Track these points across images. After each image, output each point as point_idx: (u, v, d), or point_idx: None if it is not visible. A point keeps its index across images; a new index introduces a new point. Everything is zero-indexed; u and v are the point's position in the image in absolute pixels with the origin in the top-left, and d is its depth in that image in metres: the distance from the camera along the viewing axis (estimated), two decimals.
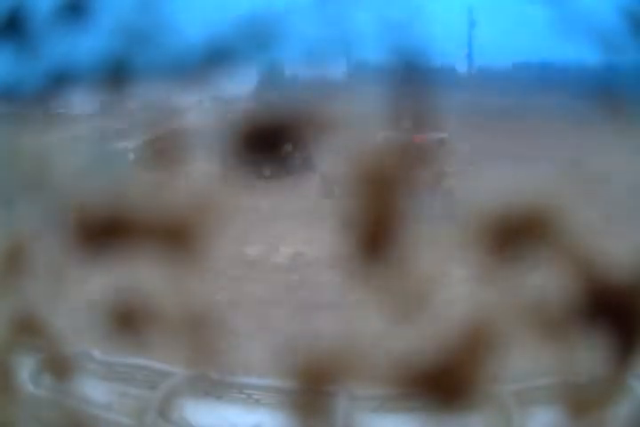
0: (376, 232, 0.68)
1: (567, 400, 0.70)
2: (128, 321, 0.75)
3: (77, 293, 0.83)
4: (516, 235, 0.70)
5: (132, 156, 0.75)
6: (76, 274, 0.78)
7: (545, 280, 0.70)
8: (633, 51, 0.72)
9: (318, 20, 0.71)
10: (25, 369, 0.95)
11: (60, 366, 0.84)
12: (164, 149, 0.72)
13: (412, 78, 0.69)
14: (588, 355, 0.69)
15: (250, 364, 0.88)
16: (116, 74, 0.75)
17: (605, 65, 0.72)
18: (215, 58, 0.72)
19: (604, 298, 0.70)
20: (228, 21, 0.73)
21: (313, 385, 0.70)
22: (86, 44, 0.77)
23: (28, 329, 0.81)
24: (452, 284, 0.78)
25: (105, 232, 0.71)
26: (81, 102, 0.86)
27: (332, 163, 0.75)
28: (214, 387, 0.88)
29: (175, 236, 0.71)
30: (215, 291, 0.82)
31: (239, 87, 0.77)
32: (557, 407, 0.75)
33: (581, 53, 0.75)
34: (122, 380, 1.01)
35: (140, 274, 0.74)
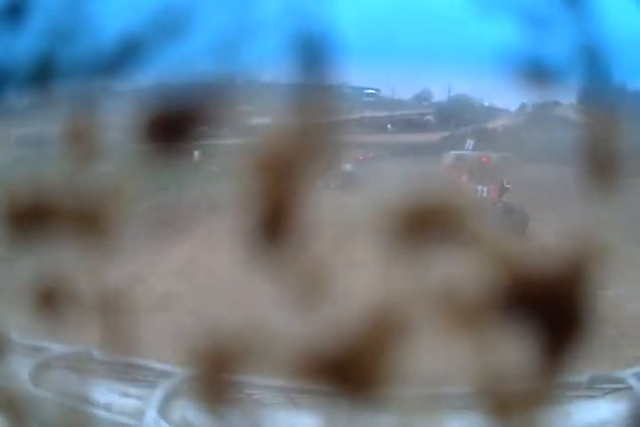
0: (276, 217, 0.66)
1: (485, 403, 0.65)
2: (49, 304, 0.77)
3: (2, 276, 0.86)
4: (425, 219, 0.65)
5: (53, 146, 0.78)
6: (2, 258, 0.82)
7: (458, 268, 0.65)
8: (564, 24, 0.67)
9: (224, 9, 0.71)
10: (25, 369, 0.98)
11: None
12: (81, 138, 0.74)
13: (315, 64, 0.67)
14: (510, 353, 0.64)
15: (153, 348, 0.89)
16: (44, 70, 0.78)
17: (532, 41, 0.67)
18: (127, 50, 0.74)
19: (527, 289, 0.64)
20: (140, 14, 0.75)
21: (213, 373, 0.69)
22: (21, 45, 0.80)
23: None
24: (357, 270, 0.75)
25: (29, 218, 0.74)
26: (11, 97, 0.90)
27: (233, 148, 0.75)
28: (123, 369, 0.90)
29: (90, 220, 0.73)
30: (124, 274, 0.83)
31: (149, 77, 0.78)
32: (473, 411, 0.70)
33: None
34: (122, 380, 1.03)
35: (62, 258, 0.77)
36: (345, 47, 0.66)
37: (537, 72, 0.70)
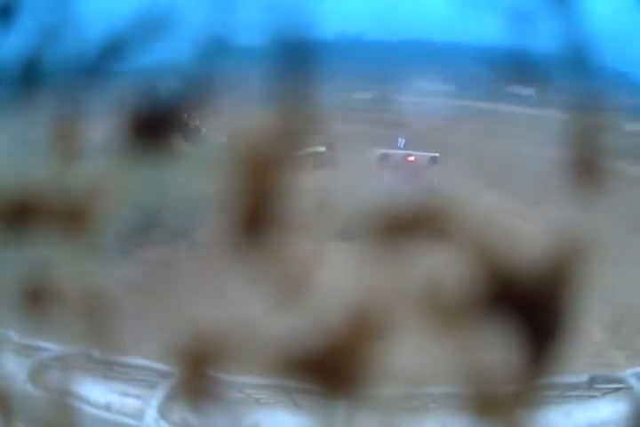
0: (256, 215, 0.66)
1: (468, 403, 0.65)
2: (36, 302, 0.78)
3: None
4: (409, 219, 0.65)
5: (38, 144, 0.79)
6: None
7: (440, 267, 0.64)
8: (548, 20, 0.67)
9: (206, 8, 0.72)
10: (24, 369, 0.99)
11: None
12: (66, 137, 0.75)
13: (294, 61, 0.67)
14: (493, 353, 0.63)
15: (136, 346, 0.89)
16: (30, 69, 0.79)
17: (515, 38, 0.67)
18: (111, 50, 0.74)
19: (510, 289, 0.64)
20: (125, 14, 0.75)
21: (196, 370, 0.69)
22: (9, 44, 0.81)
23: None
24: (337, 268, 0.75)
25: (16, 216, 0.75)
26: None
27: (214, 146, 0.75)
28: (103, 365, 0.90)
29: (75, 219, 0.74)
30: (106, 271, 0.83)
31: (133, 76, 0.79)
32: (456, 410, 0.70)
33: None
34: (122, 380, 1.03)
35: (48, 256, 0.77)
36: (325, 44, 0.66)
37: (522, 67, 0.69)
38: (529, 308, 0.66)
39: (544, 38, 0.70)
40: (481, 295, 0.66)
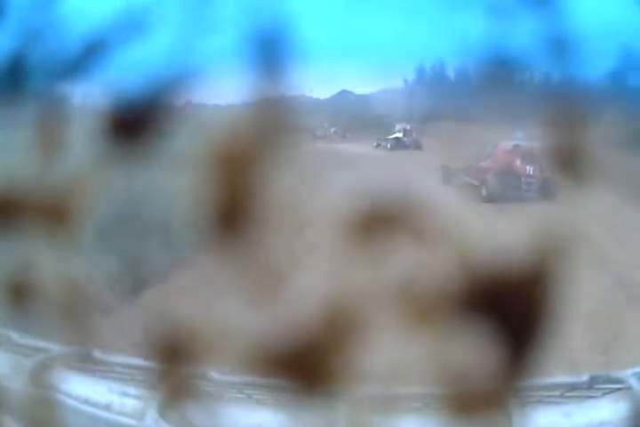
0: (233, 212, 0.66)
1: (443, 404, 0.64)
2: (18, 297, 0.79)
3: None
4: (385, 215, 0.65)
5: (22, 142, 0.80)
6: None
7: (416, 265, 0.64)
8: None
9: (184, 7, 0.72)
10: (24, 369, 1.00)
11: None
12: (48, 135, 0.76)
13: (270, 60, 0.68)
14: (469, 353, 0.63)
15: (117, 343, 0.90)
16: (15, 69, 0.80)
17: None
18: (92, 49, 0.75)
19: (487, 288, 0.63)
20: (106, 14, 0.76)
21: (173, 366, 0.70)
22: None
23: None
24: (314, 265, 0.75)
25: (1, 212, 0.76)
26: None
27: (191, 143, 0.75)
28: (103, 365, 0.90)
29: (56, 215, 0.75)
30: (85, 267, 0.84)
31: (112, 75, 0.80)
32: (431, 411, 0.69)
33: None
34: (122, 380, 1.04)
35: (31, 251, 0.78)
36: (303, 43, 0.66)
37: (502, 64, 0.69)
38: (506, 308, 0.65)
39: (525, 34, 0.69)
40: (457, 294, 0.66)
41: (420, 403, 0.75)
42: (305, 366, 0.66)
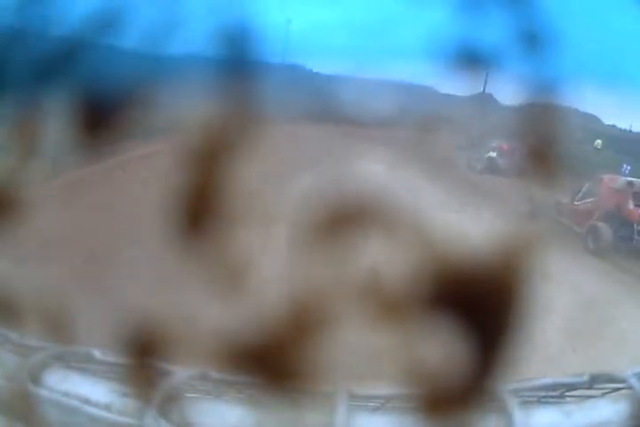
0: (198, 205, 0.67)
1: (411, 403, 0.64)
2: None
3: None
4: (351, 210, 0.65)
5: None
6: None
7: (383, 260, 0.64)
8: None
9: (154, 5, 0.73)
10: (24, 369, 1.01)
11: None
12: (22, 134, 0.77)
13: (238, 59, 0.68)
14: (438, 353, 0.62)
15: (89, 337, 0.90)
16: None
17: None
18: (68, 47, 0.77)
19: (455, 285, 0.63)
20: (83, 13, 0.78)
21: (139, 360, 0.70)
22: None
23: None
24: (280, 259, 0.74)
25: None
26: None
27: (161, 140, 0.75)
28: (103, 365, 0.91)
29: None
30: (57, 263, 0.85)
31: (85, 73, 0.81)
32: (400, 412, 0.68)
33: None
34: (122, 380, 1.05)
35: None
36: (270, 40, 0.67)
37: (473, 59, 0.68)
38: (475, 305, 0.65)
39: (496, 28, 0.69)
40: (425, 291, 0.65)
41: (389, 402, 0.74)
42: (270, 362, 0.66)
